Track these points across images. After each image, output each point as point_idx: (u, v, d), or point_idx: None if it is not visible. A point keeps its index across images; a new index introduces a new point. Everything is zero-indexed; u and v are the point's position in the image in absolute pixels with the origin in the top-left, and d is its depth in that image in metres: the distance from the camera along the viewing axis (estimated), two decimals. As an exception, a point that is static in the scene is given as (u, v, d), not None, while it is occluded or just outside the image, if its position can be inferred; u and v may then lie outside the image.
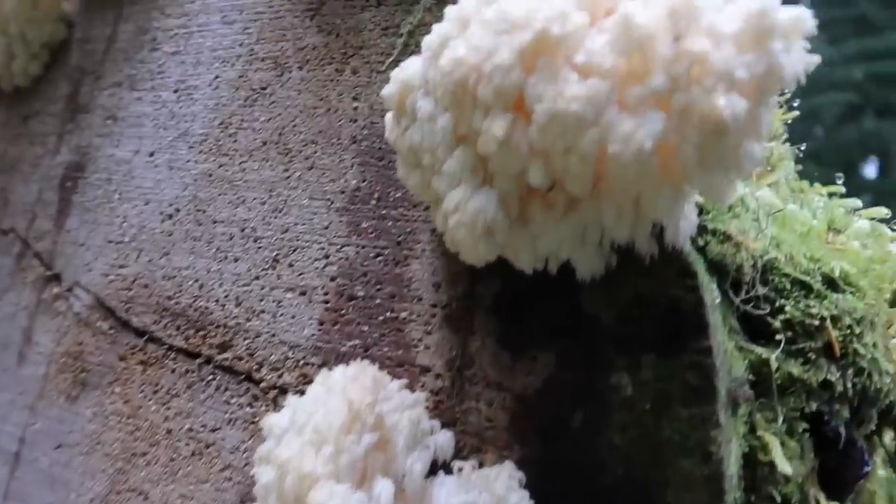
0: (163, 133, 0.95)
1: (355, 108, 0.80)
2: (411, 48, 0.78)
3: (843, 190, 0.86)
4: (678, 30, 0.47)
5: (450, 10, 0.59)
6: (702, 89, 0.45)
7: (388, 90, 0.61)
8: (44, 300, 0.98)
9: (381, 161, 0.76)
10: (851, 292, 0.63)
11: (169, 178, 0.92)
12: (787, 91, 0.62)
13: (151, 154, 0.95)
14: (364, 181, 0.76)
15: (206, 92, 0.93)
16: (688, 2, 0.47)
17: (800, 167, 0.90)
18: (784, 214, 0.69)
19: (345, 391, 0.56)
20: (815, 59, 0.48)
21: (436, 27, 0.58)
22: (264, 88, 0.88)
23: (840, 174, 0.82)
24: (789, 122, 0.88)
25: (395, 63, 0.78)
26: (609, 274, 0.57)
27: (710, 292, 0.57)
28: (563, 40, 0.49)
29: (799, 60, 0.47)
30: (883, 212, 0.77)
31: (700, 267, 0.58)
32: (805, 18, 0.47)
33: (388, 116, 0.63)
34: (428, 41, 0.58)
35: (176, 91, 0.96)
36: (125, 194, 0.96)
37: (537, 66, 0.50)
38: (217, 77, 0.93)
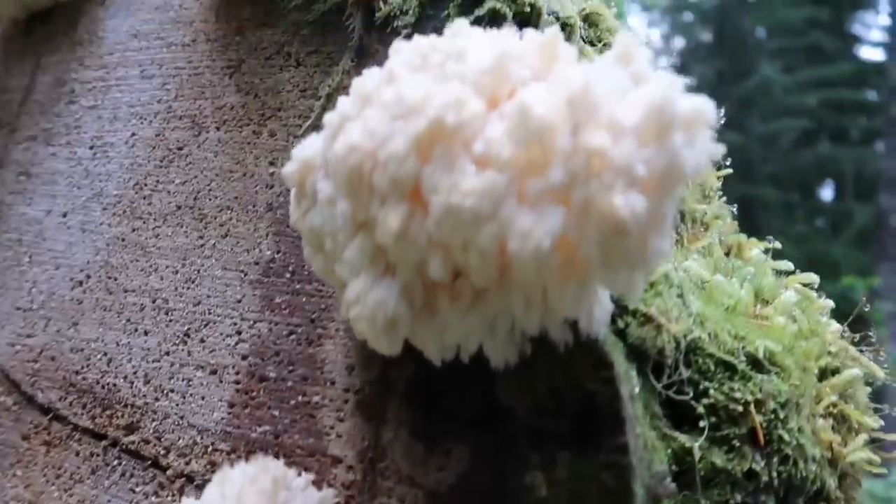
0: (77, 192, 0.91)
1: (272, 174, 0.76)
2: (329, 111, 0.75)
3: (778, 246, 0.85)
4: (576, 120, 0.45)
5: (355, 84, 0.56)
6: (601, 186, 0.43)
7: (288, 169, 0.58)
8: (-52, 370, 0.92)
9: (297, 232, 0.72)
10: (777, 373, 0.61)
11: (81, 242, 0.87)
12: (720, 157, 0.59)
13: (64, 215, 0.91)
14: (279, 252, 0.72)
15: (122, 150, 0.89)
16: (587, 90, 0.45)
17: (737, 223, 0.88)
18: (711, 287, 0.67)
19: (240, 498, 0.52)
20: (721, 148, 0.46)
21: (340, 102, 0.55)
22: (181, 149, 0.84)
23: (771, 237, 0.81)
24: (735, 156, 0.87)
25: (313, 127, 0.75)
26: (524, 363, 0.54)
27: (629, 382, 0.55)
28: (459, 128, 0.47)
29: (702, 152, 0.45)
30: (813, 278, 0.75)
31: (618, 354, 0.55)
32: (707, 109, 0.45)
33: (291, 196, 0.59)
34: (329, 118, 0.55)
35: (92, 148, 0.92)
36: (35, 257, 0.91)
37: (433, 154, 0.47)
38: (134, 134, 0.89)
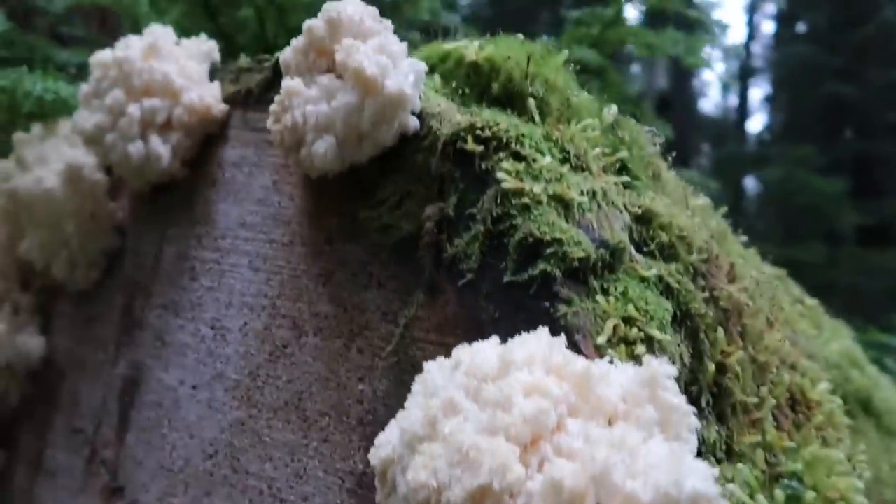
0: (202, 369, 1.08)
1: (361, 391, 0.90)
2: (407, 341, 0.87)
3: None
4: (599, 497, 0.55)
5: (422, 381, 0.69)
6: (616, 563, 0.54)
7: (373, 457, 0.71)
8: (110, 511, 1.14)
9: (384, 451, 0.86)
10: None
11: (209, 417, 1.05)
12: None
13: (194, 387, 1.08)
14: (369, 467, 0.86)
15: (237, 336, 1.05)
16: (606, 469, 0.55)
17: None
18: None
19: None
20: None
21: (410, 416, 0.68)
22: (285, 347, 0.99)
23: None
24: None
25: (394, 353, 0.88)
26: None
27: None
28: (505, 489, 0.58)
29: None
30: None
31: None
32: (711, 490, 0.54)
33: (377, 478, 0.72)
34: (406, 425, 0.67)
35: (213, 328, 1.09)
36: (173, 423, 1.09)
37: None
38: (246, 324, 1.05)
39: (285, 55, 0.99)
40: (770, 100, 13.81)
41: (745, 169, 10.60)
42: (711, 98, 16.71)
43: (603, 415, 0.63)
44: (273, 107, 0.96)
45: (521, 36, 1.09)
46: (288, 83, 0.95)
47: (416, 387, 0.72)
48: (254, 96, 1.15)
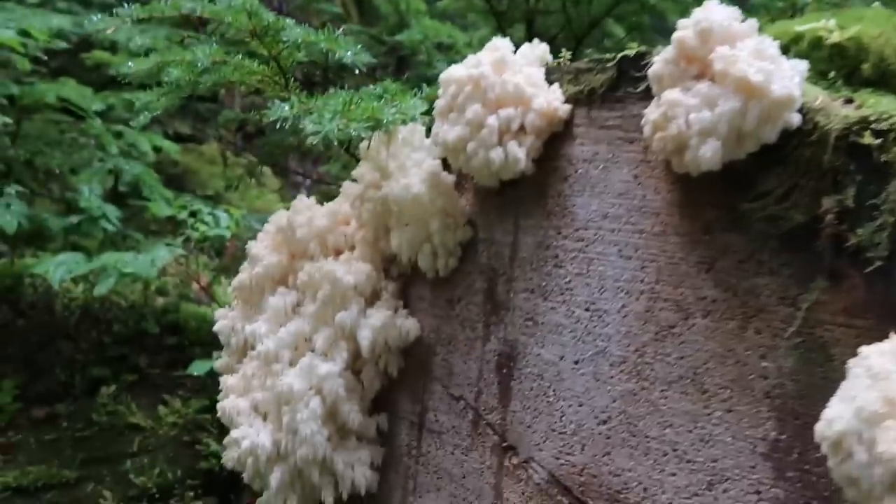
0: (582, 346, 1.27)
1: (764, 367, 1.04)
2: (811, 323, 0.99)
3: None
4: None
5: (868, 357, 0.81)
6: None
7: (825, 430, 0.84)
8: (506, 466, 1.38)
9: (798, 420, 0.99)
10: None
11: (597, 388, 1.24)
12: None
13: (576, 363, 1.28)
14: (783, 434, 1.01)
15: (616, 318, 1.22)
16: None
17: None
18: None
19: None
20: None
21: (860, 405, 0.80)
22: (672, 327, 1.15)
23: None
24: None
25: (797, 334, 1.00)
26: None
27: None
28: None
29: None
30: None
31: None
32: None
33: (827, 445, 0.86)
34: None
35: (587, 310, 1.27)
36: (559, 393, 1.30)
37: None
38: (624, 306, 1.21)
39: (655, 67, 1.11)
40: None
41: None
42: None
43: None
44: (652, 117, 1.10)
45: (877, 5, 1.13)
46: (668, 95, 1.07)
47: (857, 370, 0.84)
48: (598, 95, 1.29)
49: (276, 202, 4.46)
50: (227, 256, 3.78)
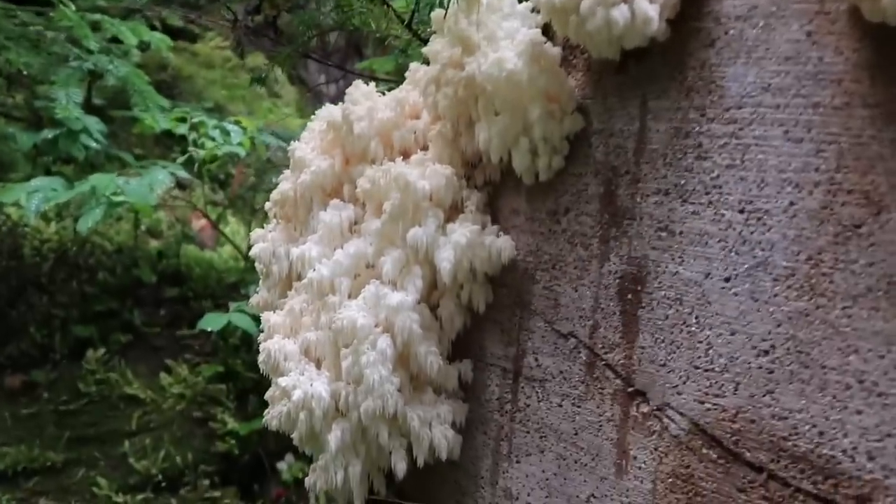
0: (735, 258, 1.32)
1: (984, 269, 1.07)
2: None
3: None
4: None
5: None
6: None
7: None
8: (632, 416, 1.45)
9: None
10: None
11: (755, 311, 1.29)
12: None
13: (726, 280, 1.33)
14: None
15: (781, 219, 1.27)
16: None
17: None
18: None
19: None
20: None
21: None
22: (858, 227, 1.19)
23: None
24: None
25: None
26: None
27: None
28: None
29: None
30: None
31: None
32: None
33: None
34: None
35: (742, 212, 1.32)
36: (704, 320, 1.36)
37: None
38: (793, 204, 1.26)
39: None
40: None
41: None
42: None
43: None
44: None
45: None
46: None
47: None
48: (756, -69, 1.32)
49: (293, 117, 4.56)
50: (235, 186, 3.90)
